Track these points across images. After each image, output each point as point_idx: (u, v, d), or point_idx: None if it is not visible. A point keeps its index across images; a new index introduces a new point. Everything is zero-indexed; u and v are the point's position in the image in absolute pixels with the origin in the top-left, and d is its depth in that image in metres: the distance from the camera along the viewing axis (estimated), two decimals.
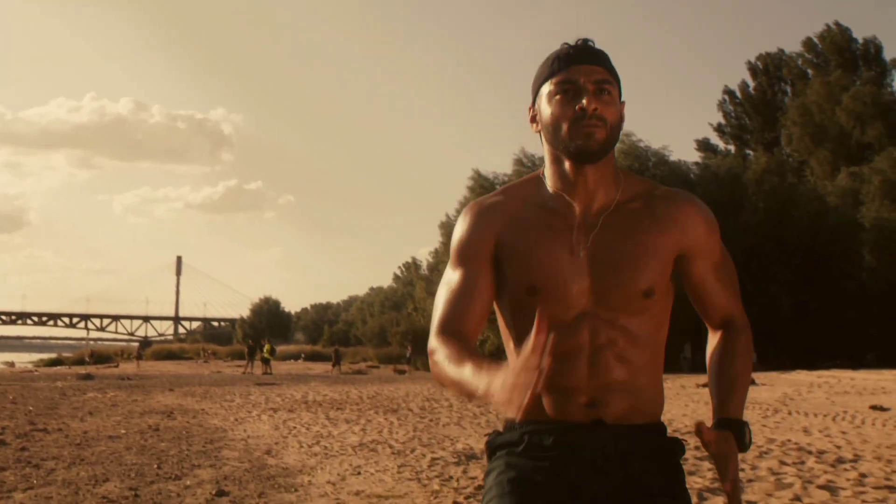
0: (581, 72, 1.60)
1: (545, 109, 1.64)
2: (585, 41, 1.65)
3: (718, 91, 74.47)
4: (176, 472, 6.93)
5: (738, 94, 62.14)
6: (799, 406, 13.22)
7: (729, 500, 1.60)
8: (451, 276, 1.71)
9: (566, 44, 1.65)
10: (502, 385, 1.29)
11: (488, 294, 1.69)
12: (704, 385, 18.96)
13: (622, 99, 1.66)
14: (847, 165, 46.06)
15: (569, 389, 1.60)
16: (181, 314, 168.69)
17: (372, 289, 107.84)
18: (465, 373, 1.47)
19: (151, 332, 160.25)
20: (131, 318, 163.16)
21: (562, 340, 1.49)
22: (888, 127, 48.45)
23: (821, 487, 5.71)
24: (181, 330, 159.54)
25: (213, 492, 5.94)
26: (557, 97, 1.61)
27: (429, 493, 5.85)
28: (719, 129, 63.22)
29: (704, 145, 62.04)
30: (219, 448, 8.55)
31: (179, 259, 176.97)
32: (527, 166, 40.18)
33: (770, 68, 60.81)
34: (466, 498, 5.60)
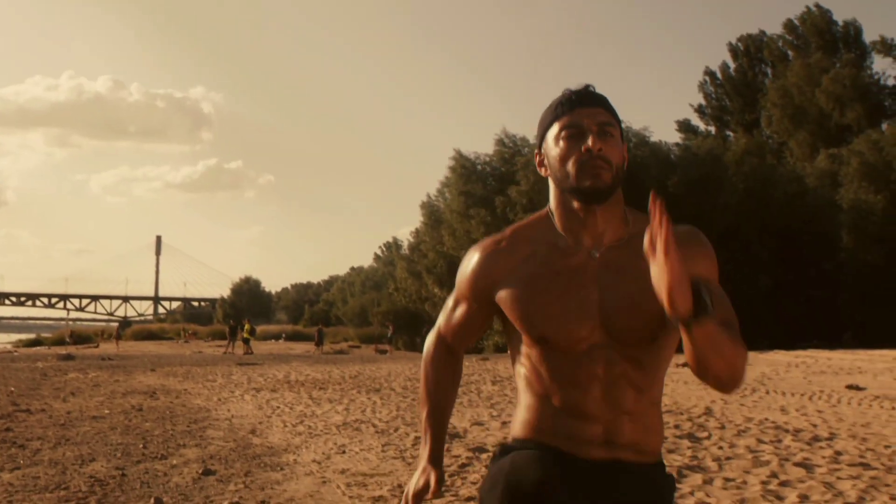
0: (584, 114, 1.66)
1: (552, 152, 1.70)
2: (587, 86, 1.71)
3: (699, 72, 74.46)
4: (162, 451, 6.97)
5: (719, 75, 62.30)
6: (776, 385, 13.39)
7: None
8: (454, 302, 1.87)
9: (568, 89, 1.71)
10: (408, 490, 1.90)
11: (482, 328, 1.89)
12: (684, 364, 19.22)
13: (624, 141, 1.73)
14: (826, 147, 46.38)
15: (586, 416, 1.65)
16: (161, 294, 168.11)
17: (352, 269, 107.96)
18: (422, 420, 1.99)
19: (131, 313, 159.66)
20: (111, 298, 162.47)
21: (576, 370, 1.62)
22: (867, 109, 48.80)
23: (797, 465, 5.82)
24: (161, 310, 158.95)
25: (200, 471, 5.99)
26: (563, 140, 1.67)
27: (413, 471, 5.92)
28: (700, 111, 63.40)
29: (685, 126, 62.25)
30: (203, 428, 8.59)
31: (159, 239, 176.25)
32: (508, 146, 40.19)
33: (751, 50, 60.96)
34: (450, 476, 5.68)
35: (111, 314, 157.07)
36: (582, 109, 1.67)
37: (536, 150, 1.79)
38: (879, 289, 36.69)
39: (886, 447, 6.63)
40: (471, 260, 1.78)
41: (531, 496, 1.52)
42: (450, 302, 1.88)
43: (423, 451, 1.91)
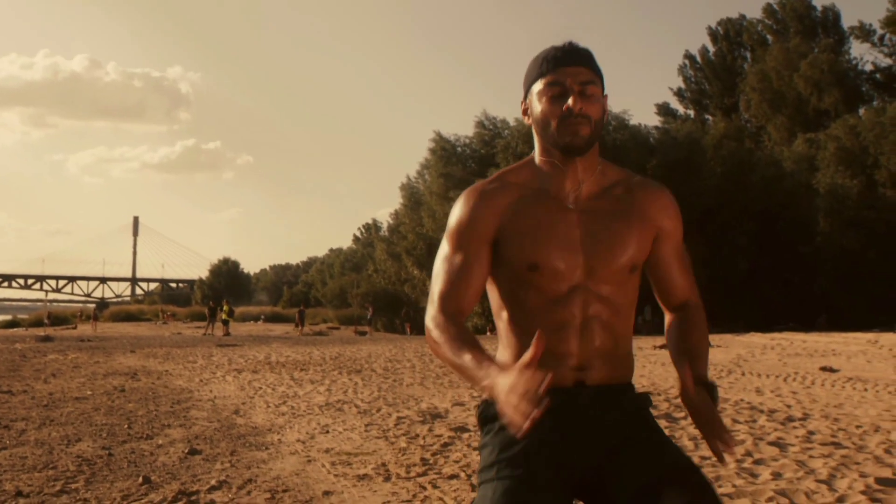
0: (567, 73, 1.76)
1: (536, 107, 1.80)
2: (571, 43, 1.80)
3: (680, 56, 74.64)
4: (147, 431, 7.04)
5: (699, 58, 62.55)
6: (752, 367, 13.58)
7: (719, 439, 1.68)
8: (450, 256, 1.86)
9: (553, 46, 1.81)
10: (510, 389, 1.46)
11: (485, 274, 1.87)
12: (662, 346, 19.35)
13: (605, 93, 1.82)
14: (804, 132, 46.76)
15: (562, 355, 1.79)
16: (138, 275, 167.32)
17: (331, 250, 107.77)
18: (466, 360, 1.67)
19: (108, 294, 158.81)
20: (88, 279, 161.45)
21: (557, 311, 1.73)
22: (844, 94, 49.19)
23: (771, 444, 5.97)
24: (139, 291, 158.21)
25: (186, 450, 6.07)
26: (546, 97, 1.78)
27: (396, 450, 6.02)
28: (679, 94, 63.70)
29: (664, 109, 62.53)
30: (186, 408, 8.65)
31: (136, 219, 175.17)
32: (488, 128, 40.26)
33: (730, 34, 61.21)
34: (433, 455, 5.79)
35: (88, 295, 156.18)
36: (566, 68, 1.77)
37: (522, 100, 1.88)
38: (854, 273, 37.14)
39: (858, 427, 6.80)
40: (467, 203, 1.87)
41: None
42: (444, 258, 1.88)
43: (479, 367, 1.63)
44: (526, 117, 1.87)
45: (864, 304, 35.96)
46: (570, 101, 1.74)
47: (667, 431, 6.37)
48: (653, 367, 13.76)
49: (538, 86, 1.81)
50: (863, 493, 4.40)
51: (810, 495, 4.40)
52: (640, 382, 10.68)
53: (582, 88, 1.76)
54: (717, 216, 37.26)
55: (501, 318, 1.90)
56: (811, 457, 5.47)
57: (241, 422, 7.68)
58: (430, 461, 5.58)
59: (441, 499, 4.51)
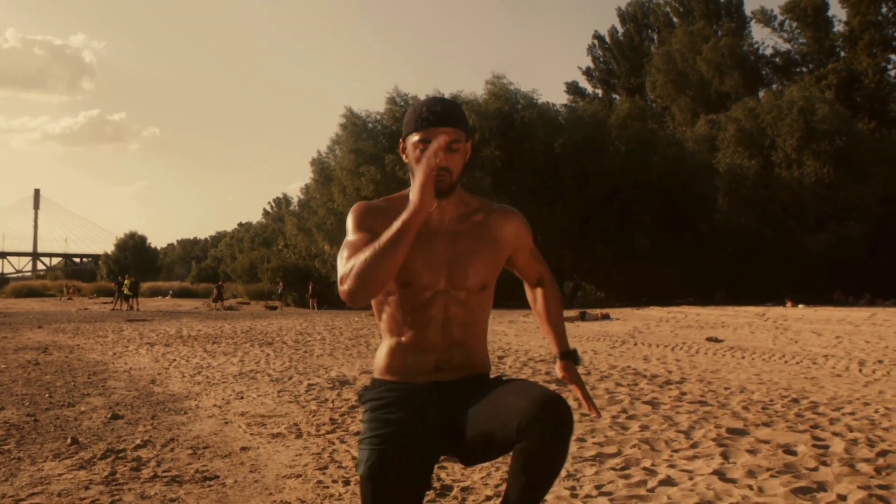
0: (436, 133, 2.19)
1: (411, 154, 2.26)
2: (442, 105, 2.25)
3: (590, 36, 75.97)
4: (68, 399, 7.37)
5: (608, 39, 63.75)
6: (646, 338, 14.45)
7: (587, 404, 2.44)
8: (353, 238, 2.26)
9: (427, 106, 2.24)
10: (421, 171, 2.06)
11: None
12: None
13: (469, 139, 2.29)
14: (706, 113, 48.23)
15: (426, 346, 2.28)
16: (40, 250, 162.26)
17: (241, 224, 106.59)
18: (386, 232, 2.10)
19: (8, 269, 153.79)
20: None
21: (424, 312, 2.26)
22: (745, 77, 50.88)
23: (645, 403, 6.66)
24: (40, 266, 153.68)
25: (109, 416, 6.45)
26: (419, 150, 2.22)
27: (307, 412, 6.52)
28: (588, 73, 64.84)
29: (573, 88, 63.71)
30: (104, 379, 8.97)
31: (37, 192, 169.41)
32: (399, 105, 40.48)
33: (638, 16, 62.52)
34: (341, 415, 6.30)
35: None
36: (436, 129, 2.19)
37: (401, 140, 2.32)
38: (750, 249, 38.73)
39: (726, 389, 7.56)
40: (359, 211, 2.32)
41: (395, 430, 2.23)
42: (350, 241, 2.23)
43: (406, 214, 2.09)
44: (404, 155, 2.32)
45: (758, 278, 37.60)
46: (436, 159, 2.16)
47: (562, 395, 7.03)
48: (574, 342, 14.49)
49: (413, 138, 2.22)
50: (713, 440, 5.09)
51: (669, 443, 5.07)
52: (537, 352, 11.38)
53: (447, 146, 2.15)
54: (621, 194, 38.41)
55: (382, 316, 2.37)
56: (678, 412, 6.17)
57: (158, 390, 8.06)
58: (339, 421, 6.10)
59: (347, 451, 5.03)
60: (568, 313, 23.06)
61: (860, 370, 9.25)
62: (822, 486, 3.99)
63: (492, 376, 2.40)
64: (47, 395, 7.60)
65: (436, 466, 2.33)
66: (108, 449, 5.18)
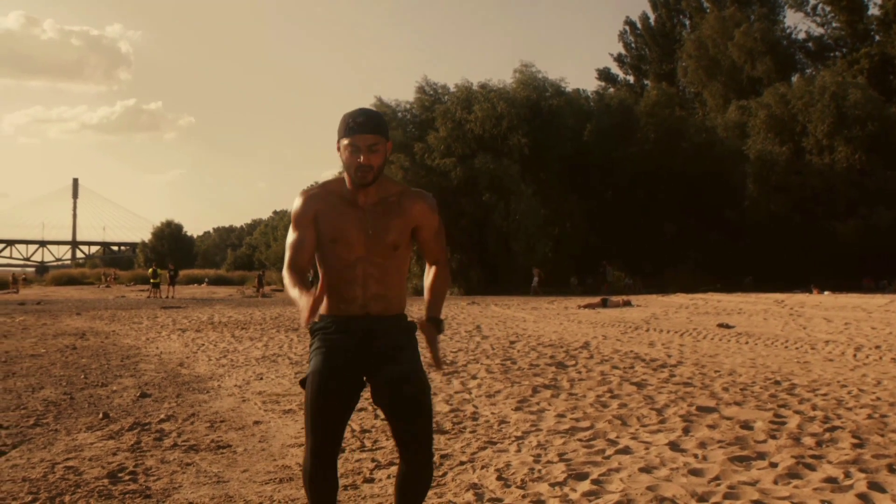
0: (360, 139, 2.80)
1: (343, 154, 2.86)
2: (365, 116, 2.84)
3: (621, 22, 75.80)
4: (101, 380, 8.00)
5: (639, 25, 63.71)
6: (660, 325, 14.85)
7: (434, 360, 2.97)
8: (292, 235, 2.93)
9: (353, 117, 2.83)
10: (303, 306, 2.65)
11: (313, 245, 2.92)
12: (585, 306, 20.52)
13: (388, 140, 2.88)
14: (737, 98, 48.13)
15: (352, 298, 2.88)
16: (79, 238, 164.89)
17: (276, 212, 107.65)
18: (295, 292, 2.76)
19: (48, 258, 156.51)
20: (26, 242, 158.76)
21: (348, 271, 2.80)
22: (776, 63, 50.68)
23: (633, 384, 7.12)
24: (79, 255, 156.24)
25: (137, 394, 7.05)
26: (348, 151, 2.82)
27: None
28: (619, 60, 64.85)
29: (605, 75, 63.73)
30: (136, 362, 9.60)
31: (76, 181, 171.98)
32: (428, 94, 40.96)
33: (670, 1, 62.38)
34: (296, 374, 6.84)
35: (27, 259, 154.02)
36: (361, 135, 2.79)
37: (337, 141, 2.85)
38: (780, 236, 38.78)
39: (716, 372, 8.00)
40: (301, 200, 2.92)
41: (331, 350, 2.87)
42: (291, 236, 2.91)
43: (302, 297, 2.70)
44: (339, 153, 2.91)
45: (787, 265, 37.68)
46: (360, 158, 2.81)
47: (551, 376, 7.52)
48: (569, 325, 14.96)
49: (344, 141, 2.82)
50: (681, 416, 5.56)
51: (640, 418, 5.55)
52: (549, 337, 11.86)
53: (369, 148, 2.81)
54: (648, 180, 38.64)
55: (321, 271, 2.99)
56: (660, 392, 6.64)
57: (185, 372, 8.66)
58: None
59: (349, 425, 5.56)
60: (590, 300, 23.50)
61: (854, 355, 9.62)
62: (761, 456, 4.46)
63: (409, 319, 2.99)
64: (83, 377, 8.23)
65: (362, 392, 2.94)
66: (134, 422, 5.77)
